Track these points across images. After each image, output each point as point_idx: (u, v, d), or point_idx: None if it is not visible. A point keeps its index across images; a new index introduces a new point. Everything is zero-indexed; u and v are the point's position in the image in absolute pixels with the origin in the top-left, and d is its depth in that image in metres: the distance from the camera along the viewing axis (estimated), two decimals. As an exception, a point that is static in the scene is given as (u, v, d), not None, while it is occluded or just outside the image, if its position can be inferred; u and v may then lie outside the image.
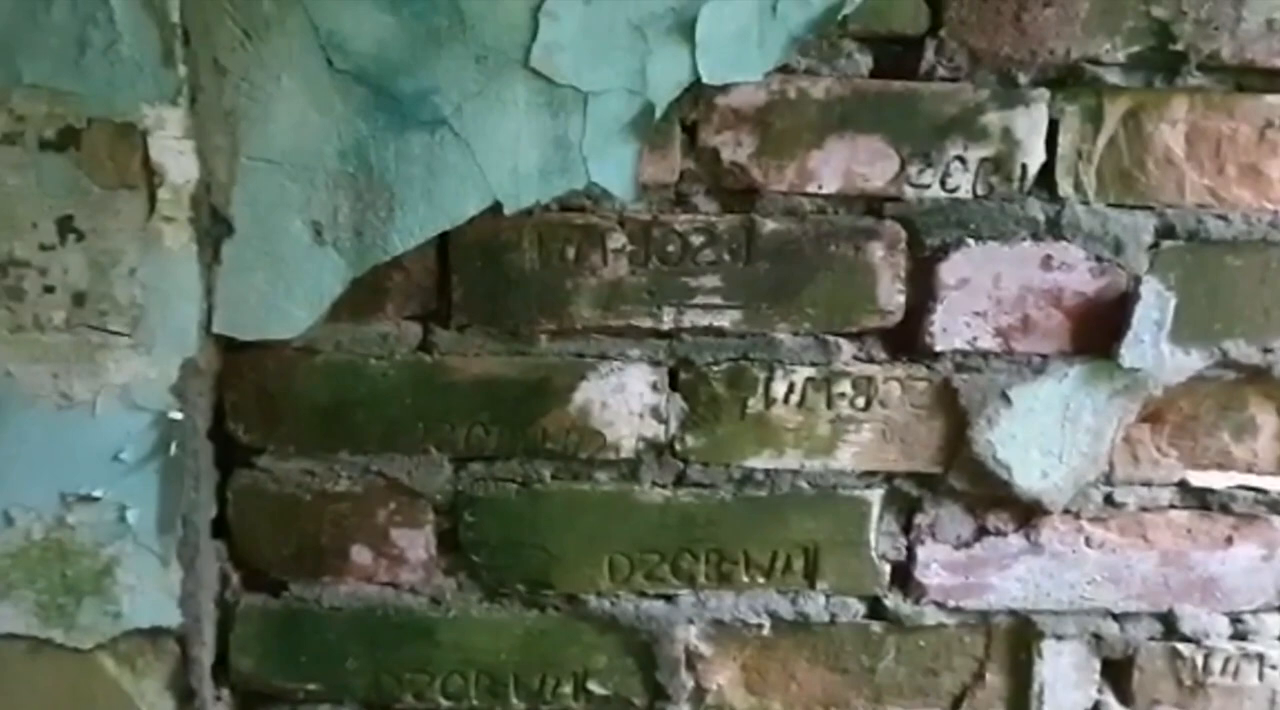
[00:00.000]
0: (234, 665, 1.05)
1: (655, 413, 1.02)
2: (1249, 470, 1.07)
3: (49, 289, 0.93)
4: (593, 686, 1.08)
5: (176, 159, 0.92)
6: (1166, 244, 1.00)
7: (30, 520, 0.97)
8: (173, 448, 0.96)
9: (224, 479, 1.03)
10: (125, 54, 0.89)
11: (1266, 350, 1.02)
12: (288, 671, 1.06)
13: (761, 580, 1.07)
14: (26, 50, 0.89)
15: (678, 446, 1.03)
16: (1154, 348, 0.99)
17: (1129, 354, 0.99)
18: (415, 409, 1.01)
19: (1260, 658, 1.10)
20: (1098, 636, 1.09)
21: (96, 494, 0.97)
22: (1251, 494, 1.06)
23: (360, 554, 1.04)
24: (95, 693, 1.01)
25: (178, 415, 0.96)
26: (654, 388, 1.02)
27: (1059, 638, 1.09)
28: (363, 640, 1.06)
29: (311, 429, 1.01)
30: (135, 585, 0.99)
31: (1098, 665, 1.10)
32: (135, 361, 0.95)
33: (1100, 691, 1.11)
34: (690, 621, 1.07)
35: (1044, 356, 1.02)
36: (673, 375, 1.02)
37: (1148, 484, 1.06)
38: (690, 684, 1.09)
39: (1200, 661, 1.09)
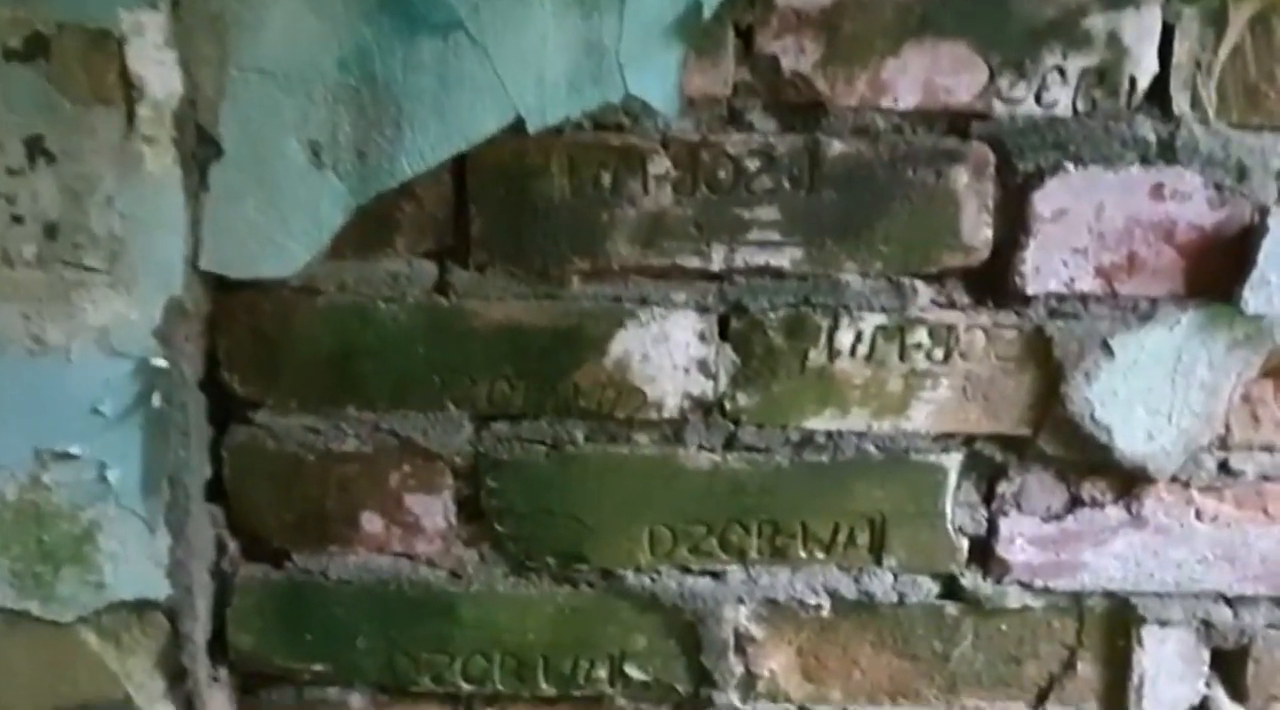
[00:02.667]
0: (232, 642, 0.97)
1: (703, 367, 0.92)
2: (1389, 435, 0.95)
3: (17, 219, 0.85)
4: (631, 671, 0.99)
5: (157, 71, 0.83)
6: (1299, 170, 0.88)
7: (3, 479, 0.90)
8: (156, 399, 0.88)
9: (219, 436, 0.94)
10: (98, -52, 0.80)
11: None
12: (292, 650, 0.98)
13: (821, 555, 0.96)
14: (-13, -54, 0.80)
15: (728, 405, 0.93)
16: (1283, 290, 0.88)
17: (1252, 297, 0.88)
18: (430, 360, 0.92)
19: (1395, 643, 0.98)
20: (1207, 623, 0.97)
21: (74, 451, 0.89)
22: (1392, 462, 0.94)
23: (371, 522, 0.95)
24: (77, 670, 0.94)
25: (162, 363, 0.87)
26: (701, 338, 0.91)
27: (1163, 624, 0.97)
28: (375, 617, 0.97)
29: (314, 381, 0.92)
30: (118, 552, 0.91)
31: (1207, 655, 0.99)
32: (114, 302, 0.86)
33: (1209, 685, 1.00)
34: (740, 601, 0.98)
35: (1153, 300, 0.90)
36: (723, 323, 0.92)
37: (1270, 449, 0.95)
38: (739, 669, 0.99)
39: (1326, 664, 0.98)
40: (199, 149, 0.85)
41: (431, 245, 0.90)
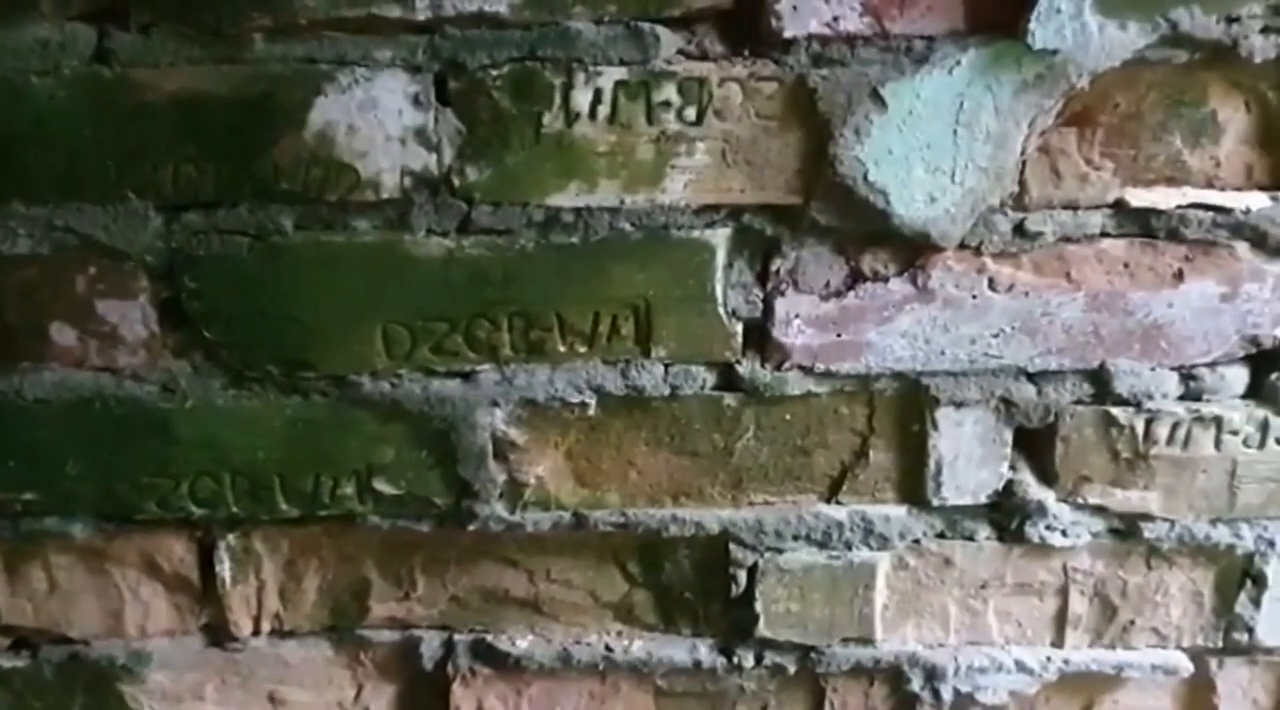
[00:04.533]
0: (-71, 476, 0.91)
1: (421, 137, 0.84)
2: (1208, 184, 0.89)
3: None
4: (380, 486, 0.94)
5: None
6: None
7: None
8: None
9: (-125, 242, 0.86)
10: None
11: (1230, 20, 0.81)
12: (-4, 479, 0.92)
13: (582, 349, 0.91)
14: None
15: (457, 181, 0.85)
16: (1075, 19, 0.80)
17: (1040, 30, 0.80)
18: (100, 143, 0.83)
19: (1217, 422, 0.94)
20: (1008, 402, 0.93)
21: None
22: (1209, 215, 0.88)
23: (61, 333, 0.88)
24: None
25: None
26: (416, 102, 0.83)
27: (958, 405, 0.93)
28: (82, 439, 0.91)
29: (-30, 174, 0.83)
30: None
31: (1009, 437, 0.95)
32: None
33: (1014, 468, 0.96)
34: (494, 403, 0.92)
35: (928, 40, 0.81)
36: (440, 84, 0.83)
37: (1073, 207, 0.88)
38: (502, 477, 0.95)
39: (1141, 428, 0.94)
40: None
41: (84, 5, 0.80)
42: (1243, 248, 0.89)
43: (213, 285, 0.87)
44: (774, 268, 0.89)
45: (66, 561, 0.97)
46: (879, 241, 0.88)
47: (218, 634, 1.01)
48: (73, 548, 0.97)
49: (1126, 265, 0.90)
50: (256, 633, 1.01)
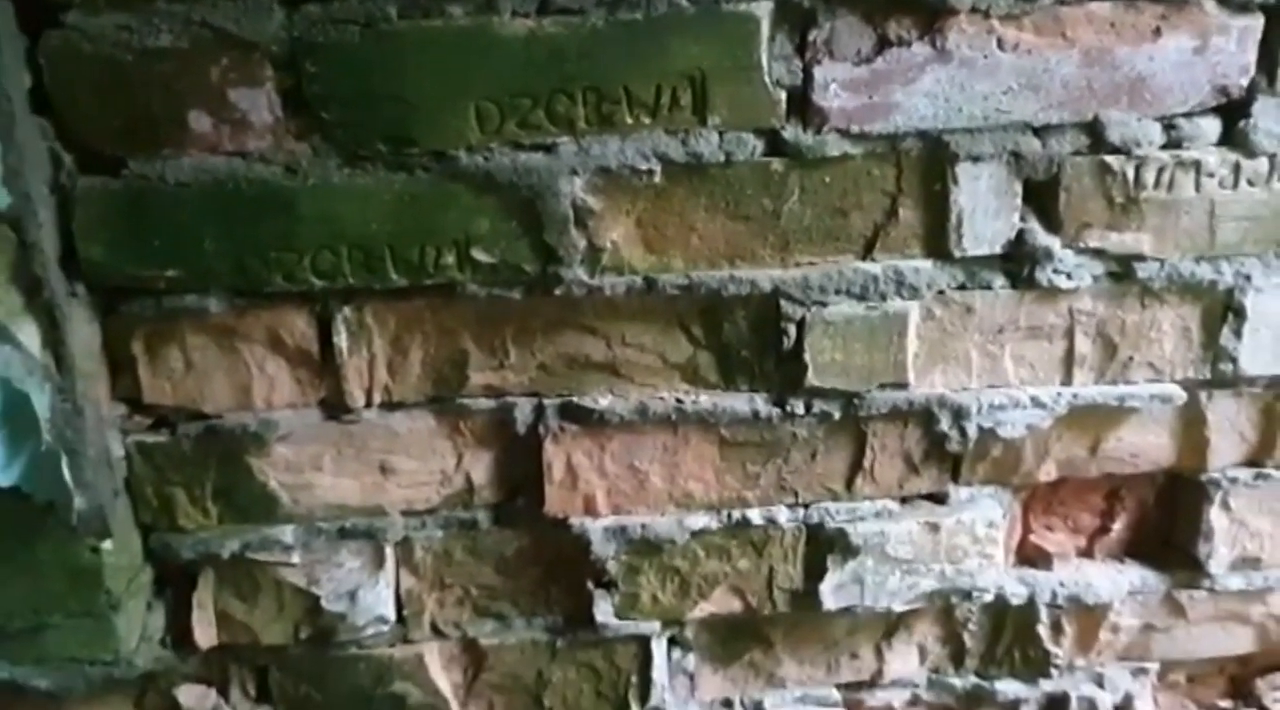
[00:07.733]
0: (82, 256, 1.00)
1: (505, -73, 0.93)
2: (1178, -50, 0.99)
3: None
4: (477, 255, 1.03)
5: None
6: None
7: None
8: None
9: (34, 46, 0.94)
10: None
11: None
12: (142, 258, 1.01)
13: (647, 120, 1.00)
14: None
15: (536, -36, 0.95)
16: None
17: None
18: (232, -60, 0.92)
19: (1196, 165, 1.05)
20: (1017, 155, 1.04)
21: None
22: (1181, -25, 0.99)
23: (199, 120, 0.98)
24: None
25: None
26: (501, -106, 0.93)
27: (975, 159, 1.03)
28: (218, 218, 1.00)
29: (117, -28, 0.93)
30: (-55, 161, 0.92)
31: (1019, 189, 1.05)
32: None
33: (1024, 219, 1.07)
34: (574, 172, 1.02)
35: None
36: (520, -125, 0.93)
37: (1064, -28, 0.99)
38: (582, 243, 1.04)
39: (1131, 174, 1.05)
40: None
41: None
42: (1210, 4, 1.00)
43: (329, 70, 0.96)
44: (811, 38, 0.99)
45: (200, 341, 1.06)
46: (901, 9, 0.98)
47: (334, 408, 1.10)
48: (206, 326, 1.05)
49: (1112, 24, 1.00)
50: (368, 405, 1.10)
